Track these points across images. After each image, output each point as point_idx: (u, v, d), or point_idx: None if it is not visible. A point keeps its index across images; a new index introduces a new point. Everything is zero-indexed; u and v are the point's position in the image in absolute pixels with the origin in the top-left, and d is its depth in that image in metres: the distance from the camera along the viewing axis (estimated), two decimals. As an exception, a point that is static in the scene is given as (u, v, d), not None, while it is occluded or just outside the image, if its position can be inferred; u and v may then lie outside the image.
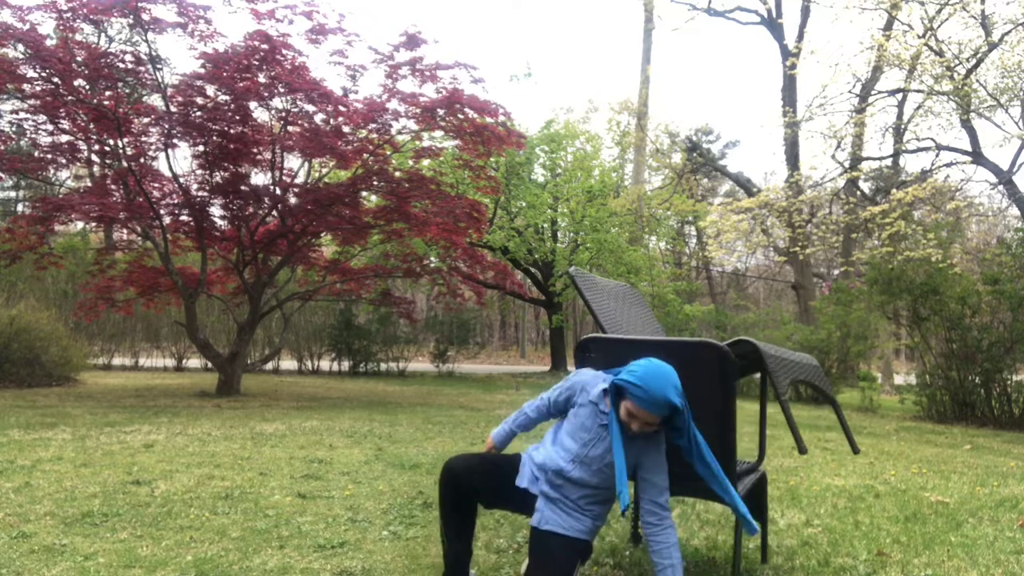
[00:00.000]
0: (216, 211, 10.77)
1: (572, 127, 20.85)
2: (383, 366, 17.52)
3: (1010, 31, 11.52)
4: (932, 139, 13.69)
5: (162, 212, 10.21)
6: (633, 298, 3.55)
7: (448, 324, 18.39)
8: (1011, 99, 11.93)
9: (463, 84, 9.98)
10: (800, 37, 16.81)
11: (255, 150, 10.41)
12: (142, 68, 9.61)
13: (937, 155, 14.06)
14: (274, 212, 10.76)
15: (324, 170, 11.86)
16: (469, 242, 12.77)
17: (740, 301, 29.08)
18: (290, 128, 10.58)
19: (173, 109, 9.71)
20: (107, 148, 9.95)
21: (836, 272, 25.31)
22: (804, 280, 18.67)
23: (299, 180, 11.50)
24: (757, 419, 3.18)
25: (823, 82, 18.79)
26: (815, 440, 7.46)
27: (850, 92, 14.24)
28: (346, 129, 10.46)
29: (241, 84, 9.48)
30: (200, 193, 10.39)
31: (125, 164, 9.73)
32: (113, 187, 10.25)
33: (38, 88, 9.23)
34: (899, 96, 15.13)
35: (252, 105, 9.88)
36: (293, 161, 11.78)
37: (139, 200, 9.72)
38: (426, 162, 13.74)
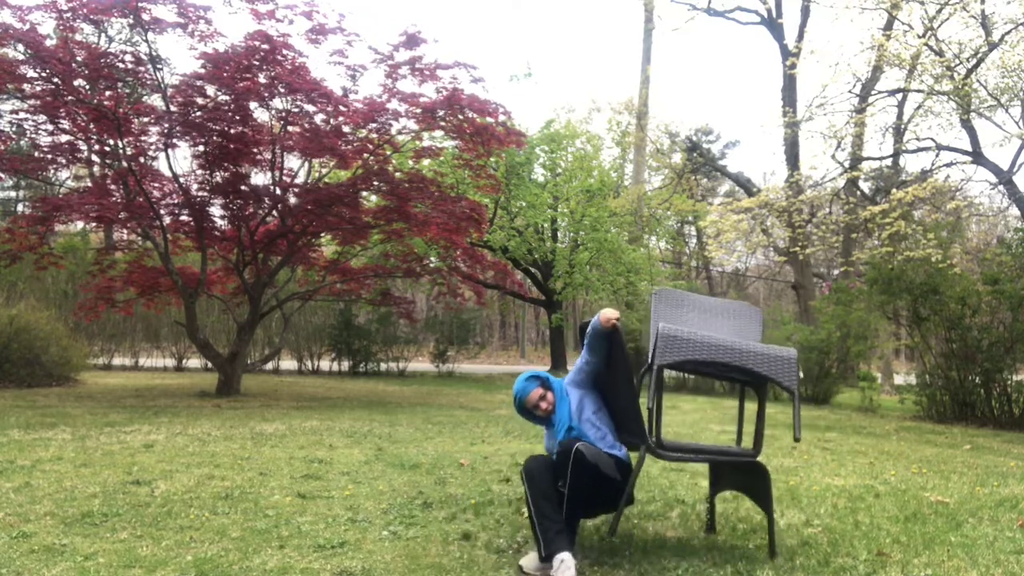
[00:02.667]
0: (216, 211, 10.79)
1: (572, 127, 20.85)
2: (383, 366, 17.51)
3: (1010, 31, 11.48)
4: (932, 139, 13.64)
5: (162, 212, 10.21)
6: (736, 313, 3.73)
7: (448, 324, 18.37)
8: (1011, 99, 11.90)
9: (463, 84, 9.99)
10: (800, 37, 16.77)
11: (255, 150, 10.41)
12: (142, 68, 9.61)
13: (937, 155, 14.02)
14: (274, 212, 10.76)
15: (324, 170, 11.86)
16: (469, 242, 12.77)
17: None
18: (290, 128, 10.57)
19: (173, 109, 9.70)
20: (107, 148, 9.95)
21: (836, 272, 25.30)
22: (804, 280, 18.66)
23: (299, 180, 11.49)
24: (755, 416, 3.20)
25: (823, 82, 18.71)
26: (815, 440, 7.46)
27: (850, 92, 14.19)
28: (346, 129, 10.46)
29: (241, 84, 9.47)
30: (200, 193, 10.38)
31: (125, 164, 9.73)
32: (113, 187, 10.24)
33: (38, 88, 9.23)
34: (899, 96, 15.08)
35: (252, 105, 9.88)
36: (293, 161, 11.79)
37: (139, 200, 9.72)
38: (426, 162, 13.74)
